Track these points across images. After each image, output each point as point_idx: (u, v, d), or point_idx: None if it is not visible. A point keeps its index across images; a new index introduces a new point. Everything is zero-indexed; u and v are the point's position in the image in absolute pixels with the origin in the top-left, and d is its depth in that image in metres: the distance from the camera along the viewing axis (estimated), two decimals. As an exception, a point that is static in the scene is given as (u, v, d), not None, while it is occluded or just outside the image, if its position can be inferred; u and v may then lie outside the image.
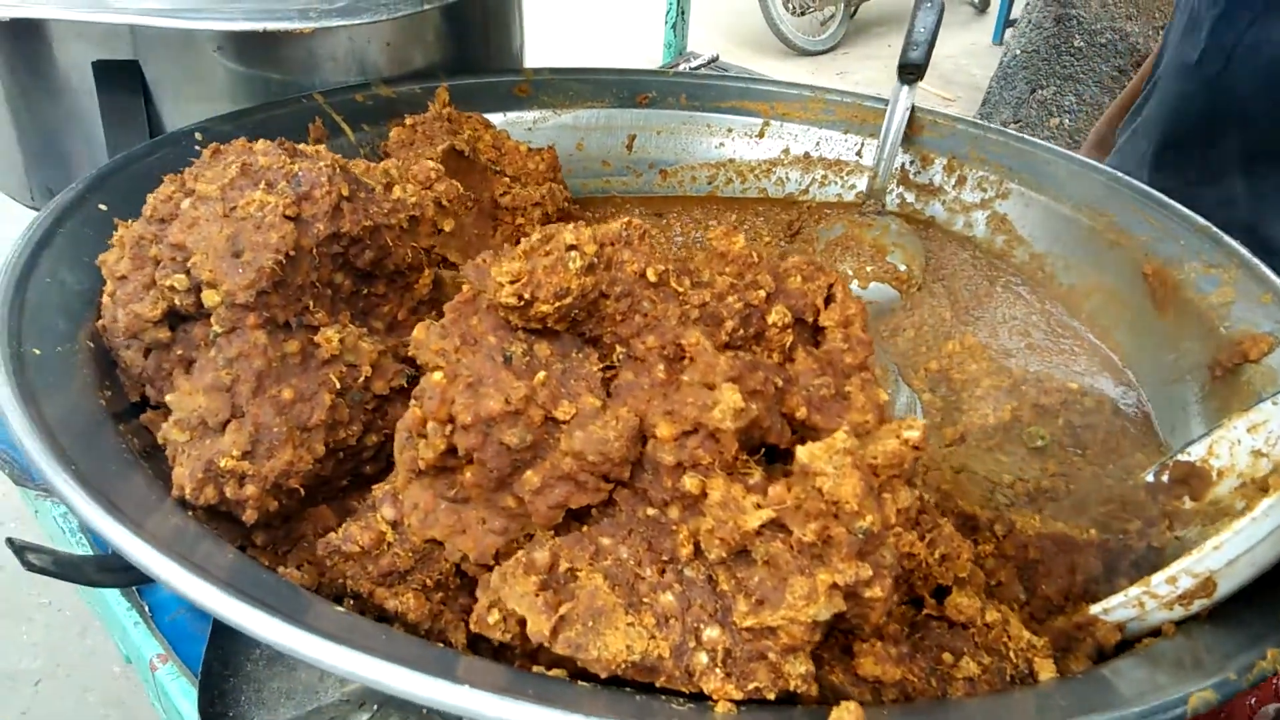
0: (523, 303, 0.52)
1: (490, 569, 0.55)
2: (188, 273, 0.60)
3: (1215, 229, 0.93)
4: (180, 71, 1.13)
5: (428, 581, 0.57)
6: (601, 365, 0.55)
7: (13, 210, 1.25)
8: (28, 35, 1.10)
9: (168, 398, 0.60)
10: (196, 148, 0.99)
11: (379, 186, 0.66)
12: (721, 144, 1.26)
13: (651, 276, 0.54)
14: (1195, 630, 0.56)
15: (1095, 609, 0.57)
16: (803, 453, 0.46)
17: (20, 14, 0.95)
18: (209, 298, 0.59)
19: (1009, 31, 3.55)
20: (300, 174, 0.62)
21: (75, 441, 0.58)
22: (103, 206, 0.86)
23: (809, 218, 1.19)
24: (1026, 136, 1.13)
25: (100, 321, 0.72)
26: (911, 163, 1.18)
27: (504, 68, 1.36)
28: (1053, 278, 1.05)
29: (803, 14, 6.28)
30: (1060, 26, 3.28)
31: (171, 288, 0.60)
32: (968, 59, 6.38)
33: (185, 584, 0.49)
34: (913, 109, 1.17)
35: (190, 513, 0.58)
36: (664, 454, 0.50)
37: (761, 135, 1.25)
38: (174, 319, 0.64)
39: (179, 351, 0.64)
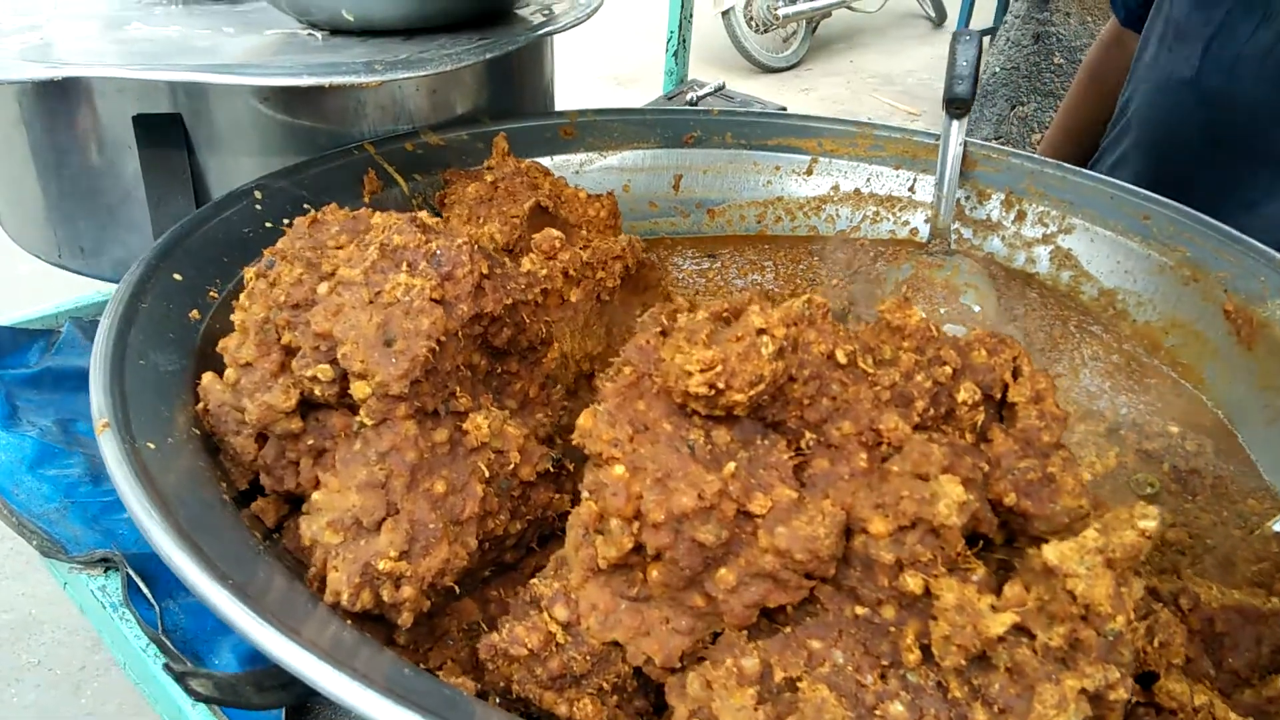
0: (714, 392, 0.50)
1: (675, 672, 0.53)
2: (332, 363, 0.56)
3: (1298, 265, 0.93)
4: (222, 124, 1.09)
5: (604, 685, 0.53)
6: (790, 452, 0.52)
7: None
8: (65, 91, 1.05)
9: (315, 496, 0.56)
10: (258, 207, 0.95)
11: (507, 260, 0.63)
12: (769, 181, 1.24)
13: (841, 358, 0.52)
14: (1393, 700, 0.55)
15: (1288, 683, 0.56)
16: (1052, 553, 0.44)
17: (77, 73, 0.91)
18: (359, 389, 0.55)
19: (989, 49, 3.59)
20: (439, 253, 0.58)
21: (221, 550, 0.54)
22: (178, 277, 0.82)
23: (864, 256, 1.17)
24: (1085, 171, 1.13)
25: (201, 405, 0.68)
26: (967, 198, 1.17)
27: (539, 109, 1.33)
28: (1125, 315, 1.05)
29: (765, 31, 6.33)
30: (1039, 44, 3.32)
31: (314, 378, 0.56)
32: (928, 73, 6.48)
33: (361, 699, 0.45)
34: (965, 143, 1.16)
35: (346, 618, 0.55)
36: (880, 551, 0.47)
37: (810, 172, 1.23)
38: (304, 406, 0.61)
39: (310, 441, 0.60)
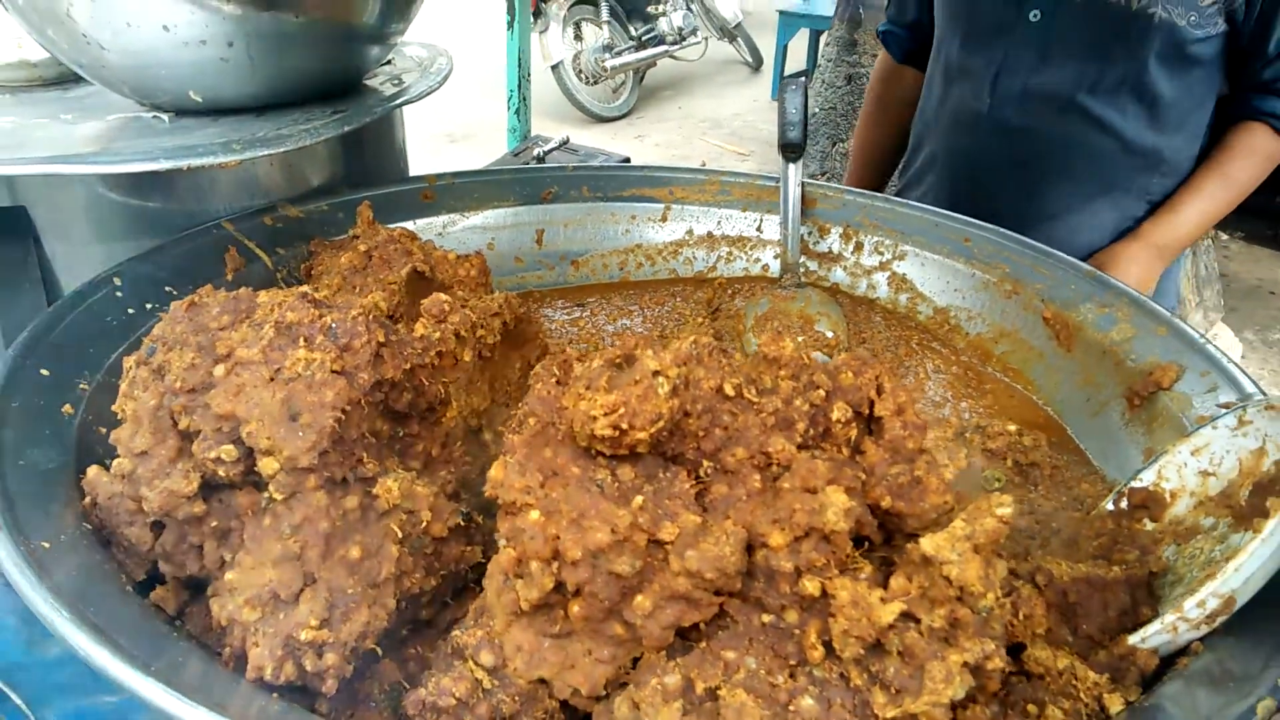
0: (619, 433, 0.54)
1: (601, 699, 0.56)
2: (235, 442, 0.57)
3: (1100, 273, 1.05)
4: (68, 212, 1.06)
5: (534, 723, 0.56)
6: (690, 481, 0.56)
7: None
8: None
9: (229, 576, 0.56)
10: (119, 294, 0.94)
11: (400, 327, 0.66)
12: (627, 230, 1.30)
13: (729, 390, 0.57)
14: (1218, 643, 0.64)
15: (1134, 639, 0.63)
16: (927, 544, 0.50)
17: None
18: (267, 466, 0.56)
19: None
20: (335, 325, 0.60)
21: (135, 639, 0.54)
22: (45, 372, 0.80)
23: (723, 294, 1.25)
24: (911, 202, 1.24)
25: (89, 499, 0.67)
26: (810, 233, 1.26)
27: (394, 174, 1.35)
28: (959, 329, 1.15)
29: (595, 83, 6.50)
30: (851, 84, 3.55)
31: (218, 459, 0.57)
32: (753, 115, 6.80)
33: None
34: (803, 184, 1.26)
35: (272, 693, 0.55)
36: (780, 561, 0.52)
37: (665, 219, 1.30)
38: (205, 489, 0.61)
39: (214, 523, 0.61)
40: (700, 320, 1.19)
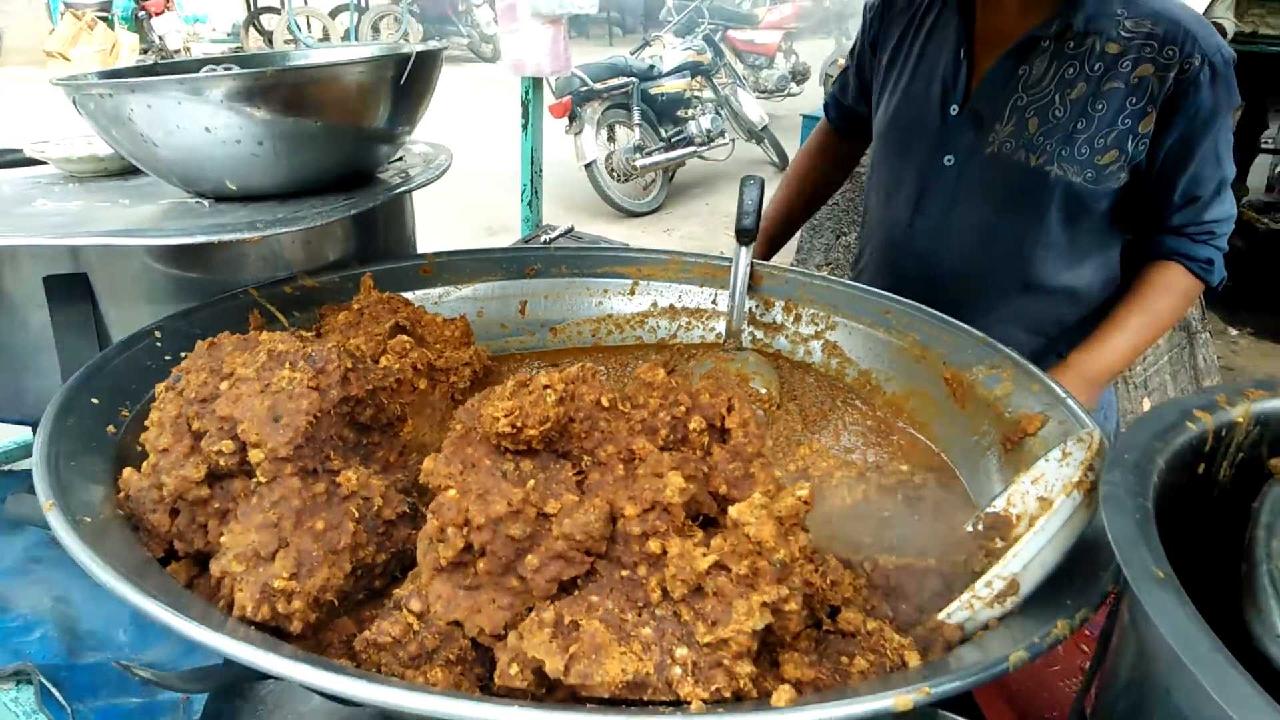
0: (515, 430, 0.71)
1: (500, 639, 0.72)
2: (234, 438, 0.76)
3: (991, 340, 1.22)
4: (120, 278, 1.28)
5: (450, 657, 0.72)
6: (574, 471, 0.74)
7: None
8: (-22, 261, 1.23)
9: (223, 539, 0.74)
10: (158, 344, 1.14)
11: (368, 359, 0.85)
12: (600, 302, 1.49)
13: (605, 403, 0.75)
14: (1012, 622, 0.78)
15: (941, 615, 0.78)
16: (733, 510, 0.66)
17: (10, 243, 1.09)
18: (254, 455, 0.75)
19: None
20: (314, 355, 0.80)
21: (159, 588, 0.71)
22: (95, 400, 1.00)
23: (680, 357, 1.43)
24: (842, 279, 1.42)
25: (123, 494, 0.86)
26: (757, 306, 1.45)
27: (404, 253, 1.56)
28: (878, 389, 1.32)
29: (627, 181, 6.82)
30: (853, 182, 3.78)
31: (219, 451, 0.76)
32: (778, 210, 7.03)
33: (269, 663, 0.63)
34: (751, 264, 1.45)
35: (251, 627, 0.72)
36: (632, 527, 0.69)
37: (633, 293, 1.49)
38: (210, 478, 0.79)
39: (215, 505, 0.79)
40: (654, 378, 1.37)
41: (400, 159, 1.54)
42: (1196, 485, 0.83)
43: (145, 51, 10.95)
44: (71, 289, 1.24)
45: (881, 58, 1.76)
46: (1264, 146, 6.20)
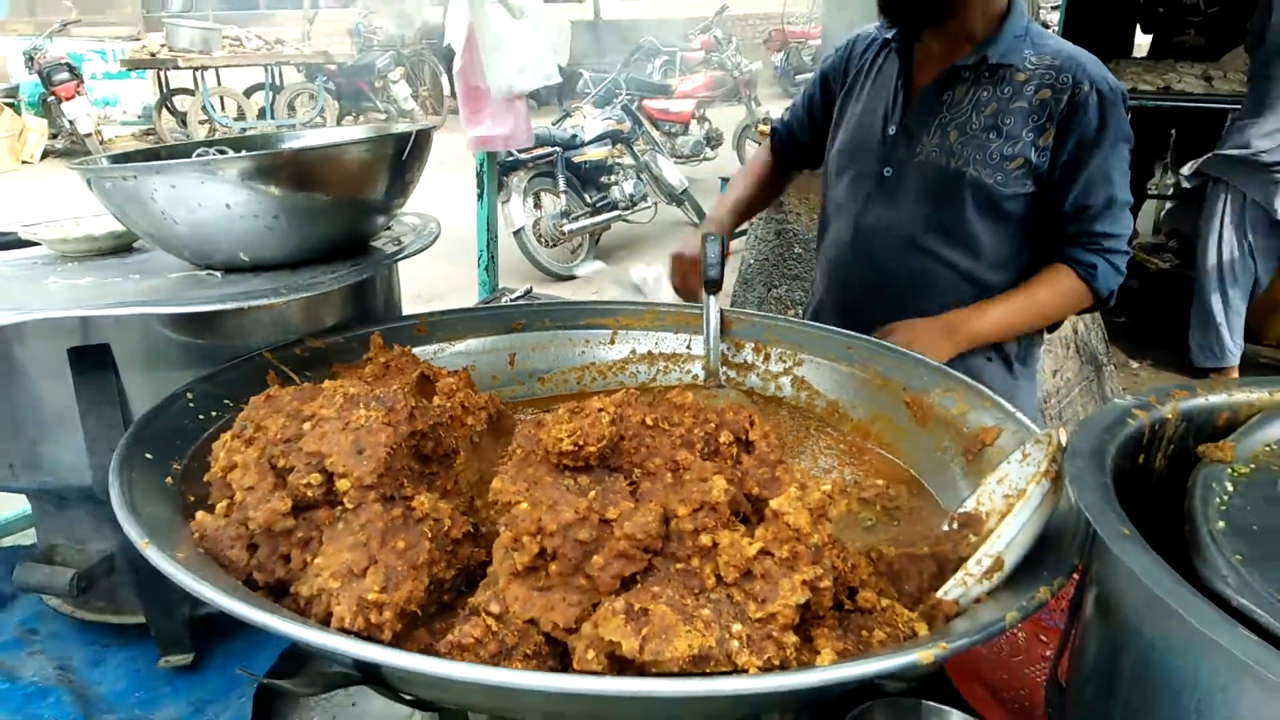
0: (577, 448, 0.83)
1: (572, 631, 0.83)
2: (321, 470, 0.85)
3: (942, 366, 1.38)
4: (137, 347, 1.35)
5: (527, 652, 0.82)
6: (626, 482, 0.85)
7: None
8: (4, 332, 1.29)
9: (316, 560, 0.84)
10: (190, 405, 1.22)
11: (422, 400, 0.95)
12: (583, 351, 1.61)
13: (649, 422, 0.87)
14: (999, 595, 0.92)
15: (939, 594, 0.92)
16: (773, 503, 0.79)
17: (27, 318, 1.16)
18: (342, 484, 0.84)
19: (743, 246, 4.26)
20: (383, 396, 0.90)
21: (260, 605, 0.80)
22: (149, 456, 1.07)
23: (661, 398, 1.55)
24: (804, 321, 1.58)
25: (198, 535, 0.94)
26: (729, 348, 1.59)
27: (393, 314, 1.66)
28: (846, 417, 1.46)
29: (554, 245, 6.98)
30: (780, 239, 4.00)
31: (308, 484, 0.85)
32: (702, 269, 7.25)
33: (372, 654, 0.73)
34: (721, 311, 1.59)
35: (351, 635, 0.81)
36: (684, 525, 0.81)
37: (613, 342, 1.62)
38: (294, 510, 0.88)
39: (299, 534, 0.88)
40: (643, 418, 1.49)
41: (389, 228, 1.65)
42: (1138, 472, 0.98)
43: (55, 136, 10.80)
44: (95, 360, 1.31)
45: (837, 97, 2.04)
46: (1150, 193, 6.71)
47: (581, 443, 0.83)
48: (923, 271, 1.81)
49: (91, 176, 1.35)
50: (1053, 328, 1.95)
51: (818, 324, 1.56)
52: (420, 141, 1.43)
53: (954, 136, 1.78)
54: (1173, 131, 6.17)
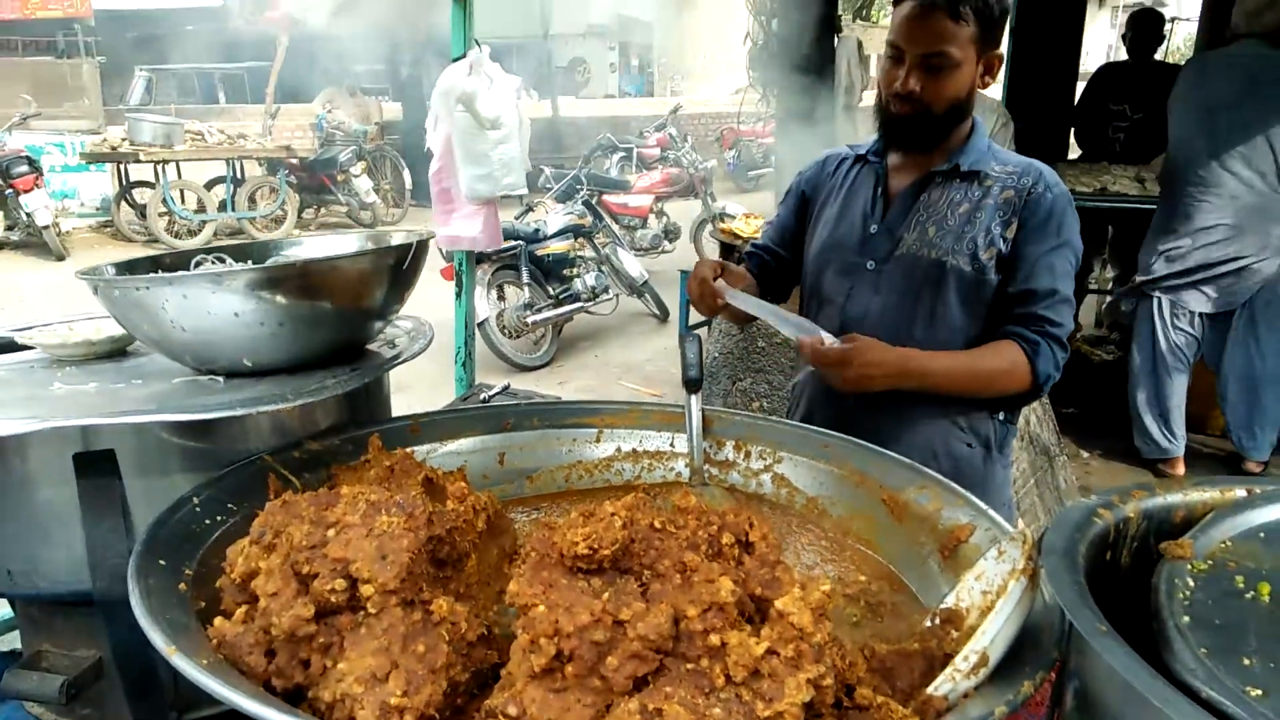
0: (591, 551, 0.88)
1: (587, 731, 0.86)
2: (345, 576, 0.89)
3: (916, 464, 1.45)
4: (137, 452, 1.37)
5: (544, 753, 0.86)
6: (636, 584, 0.90)
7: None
8: (4, 444, 1.31)
9: (340, 665, 0.87)
10: (197, 509, 1.25)
11: (436, 505, 1.00)
12: (570, 450, 1.67)
13: (658, 525, 0.92)
14: (985, 690, 0.97)
15: (929, 689, 0.97)
16: (778, 603, 0.84)
17: (45, 426, 1.19)
18: (365, 590, 0.88)
19: (707, 340, 4.35)
20: (402, 502, 0.95)
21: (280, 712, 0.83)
22: (162, 562, 1.10)
23: (648, 496, 1.60)
24: (783, 420, 1.65)
25: (216, 641, 0.96)
26: (710, 446, 1.65)
27: (383, 415, 1.71)
28: (825, 513, 1.53)
29: (518, 337, 7.06)
30: (745, 333, 4.10)
31: (332, 590, 0.89)
32: (663, 360, 7.39)
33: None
34: (703, 410, 1.66)
35: (373, 740, 0.85)
36: (694, 625, 0.86)
37: (598, 440, 1.68)
38: (316, 616, 0.92)
39: (320, 640, 0.91)
40: (631, 516, 1.54)
41: (382, 331, 1.71)
42: (1105, 569, 1.05)
43: (12, 228, 10.74)
44: (100, 465, 1.33)
45: (814, 206, 2.19)
46: (1091, 288, 6.99)
47: (596, 546, 0.88)
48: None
49: (100, 285, 1.39)
50: (1009, 413, 2.05)
51: (795, 423, 1.63)
52: (419, 252, 1.51)
53: (932, 231, 1.93)
54: (1109, 228, 6.47)
